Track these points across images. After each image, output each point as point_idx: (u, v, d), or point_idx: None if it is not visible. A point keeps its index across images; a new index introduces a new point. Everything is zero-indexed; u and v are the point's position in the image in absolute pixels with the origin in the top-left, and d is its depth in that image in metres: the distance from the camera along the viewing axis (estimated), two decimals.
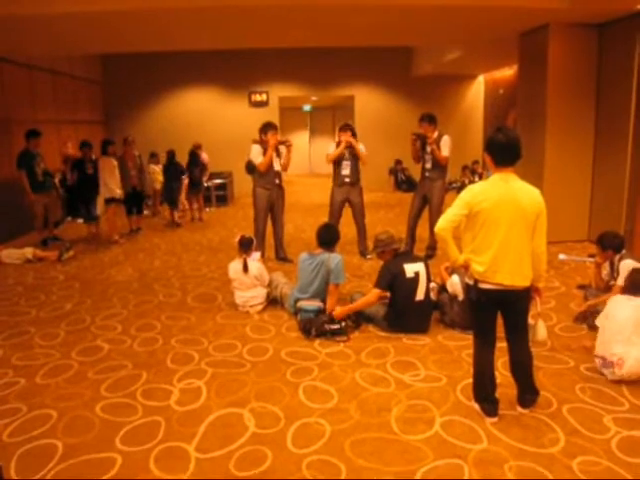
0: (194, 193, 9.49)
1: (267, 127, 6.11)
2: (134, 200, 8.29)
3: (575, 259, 5.99)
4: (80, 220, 8.67)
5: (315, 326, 4.08)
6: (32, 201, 7.18)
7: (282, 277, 4.97)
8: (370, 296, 4.15)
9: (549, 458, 2.56)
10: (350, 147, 6.21)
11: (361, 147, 6.26)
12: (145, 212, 9.17)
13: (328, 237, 4.52)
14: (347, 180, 6.29)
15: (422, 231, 6.54)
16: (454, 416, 2.96)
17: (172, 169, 9.12)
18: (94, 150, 7.79)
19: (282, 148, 6.26)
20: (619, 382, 3.25)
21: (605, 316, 3.40)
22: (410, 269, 4.05)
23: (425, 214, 6.28)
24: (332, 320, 4.11)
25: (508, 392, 3.07)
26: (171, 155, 9.18)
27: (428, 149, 6.02)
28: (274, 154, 6.10)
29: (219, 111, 12.76)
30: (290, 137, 14.52)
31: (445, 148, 5.96)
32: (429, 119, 6.01)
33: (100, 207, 7.83)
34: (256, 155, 6.07)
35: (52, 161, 8.26)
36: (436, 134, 6.00)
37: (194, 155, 9.43)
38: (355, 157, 6.27)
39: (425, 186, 6.19)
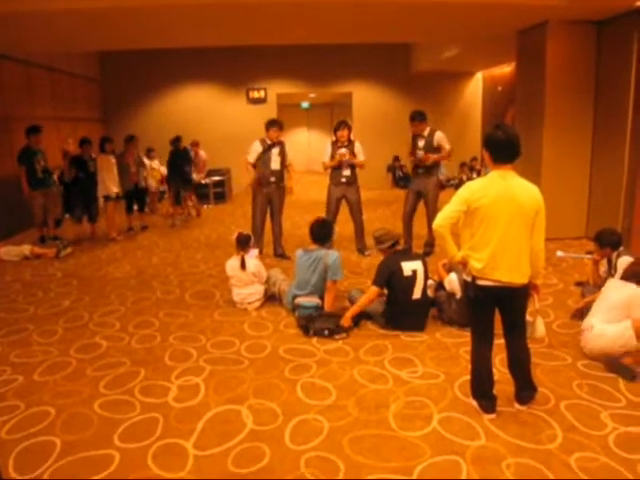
0: (186, 190, 9.31)
1: (270, 124, 6.20)
2: (136, 197, 8.25)
3: (573, 256, 6.00)
4: (75, 217, 8.64)
5: (314, 329, 4.08)
6: (29, 197, 7.17)
7: (280, 274, 4.96)
8: (369, 294, 4.14)
9: (547, 454, 2.57)
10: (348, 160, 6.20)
11: (357, 145, 6.25)
12: (145, 210, 9.11)
13: (322, 233, 4.49)
14: (344, 180, 6.29)
15: (420, 228, 6.55)
16: (452, 413, 2.96)
17: (179, 158, 8.75)
18: (93, 148, 7.76)
19: (287, 148, 6.37)
20: (615, 378, 3.28)
21: (601, 295, 3.64)
22: (408, 267, 4.05)
23: (420, 211, 6.28)
24: (330, 319, 4.11)
25: (506, 389, 3.08)
26: (177, 142, 8.80)
27: (420, 144, 6.00)
28: (276, 152, 6.18)
29: (217, 108, 12.72)
30: (288, 134, 14.41)
31: (444, 143, 5.97)
32: (420, 117, 5.97)
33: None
34: (251, 152, 6.18)
35: (51, 158, 8.21)
36: (427, 130, 6.00)
37: (186, 151, 9.24)
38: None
39: (419, 183, 6.17)
